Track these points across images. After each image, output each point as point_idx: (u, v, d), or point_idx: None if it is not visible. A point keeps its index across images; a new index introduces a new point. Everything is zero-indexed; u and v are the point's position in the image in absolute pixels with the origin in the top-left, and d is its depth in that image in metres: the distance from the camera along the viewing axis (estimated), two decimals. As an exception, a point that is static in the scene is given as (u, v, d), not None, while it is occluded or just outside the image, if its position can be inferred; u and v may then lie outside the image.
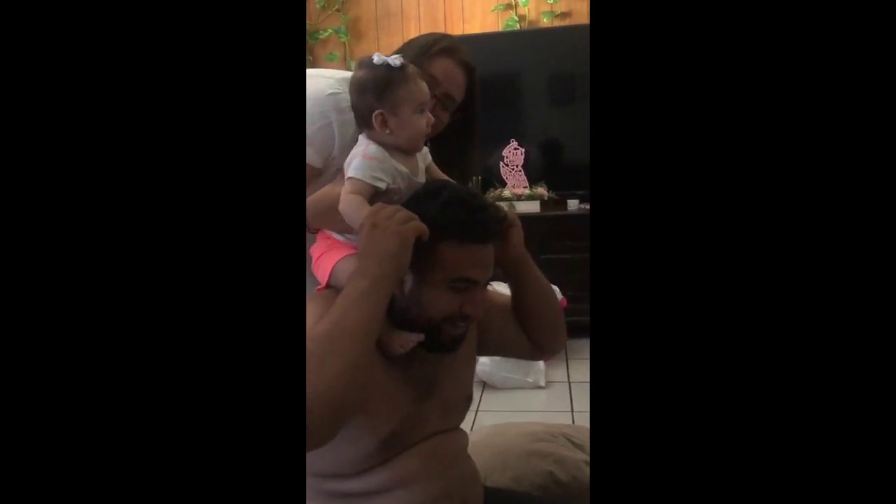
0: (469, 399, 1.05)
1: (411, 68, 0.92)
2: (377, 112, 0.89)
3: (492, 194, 3.15)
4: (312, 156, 1.09)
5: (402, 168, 0.91)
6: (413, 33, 3.58)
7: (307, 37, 3.50)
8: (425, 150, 0.98)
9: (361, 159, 0.89)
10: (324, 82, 1.10)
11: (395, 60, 0.91)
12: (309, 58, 3.57)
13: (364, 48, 3.61)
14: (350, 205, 0.86)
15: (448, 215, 0.84)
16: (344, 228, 0.93)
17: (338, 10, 3.56)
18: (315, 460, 0.85)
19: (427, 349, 0.89)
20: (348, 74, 1.05)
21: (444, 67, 1.08)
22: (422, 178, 0.95)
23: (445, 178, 1.01)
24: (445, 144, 1.07)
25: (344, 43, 3.59)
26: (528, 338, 1.04)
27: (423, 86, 0.92)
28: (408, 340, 0.87)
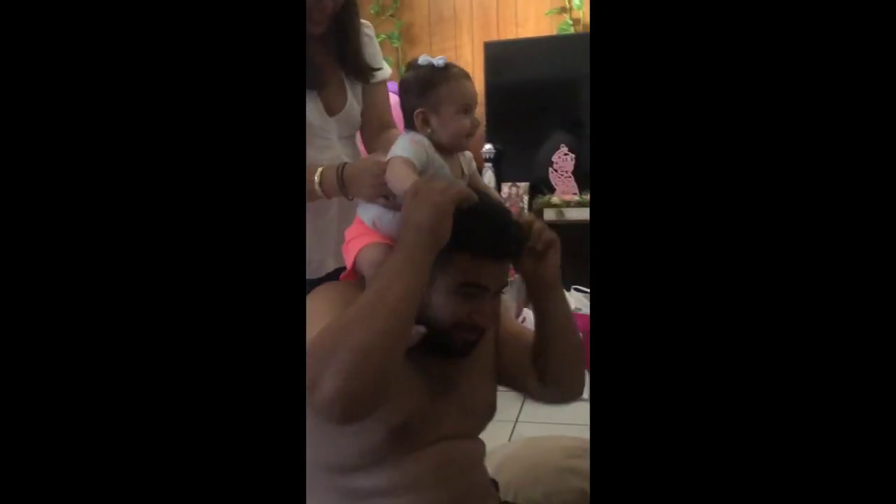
0: (492, 407, 1.02)
1: (456, 69, 0.93)
2: (419, 111, 0.91)
3: (541, 200, 3.11)
4: None
5: (444, 163, 0.92)
6: (466, 38, 3.60)
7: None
8: (469, 155, 0.98)
9: (409, 143, 0.90)
10: None
11: (440, 61, 0.92)
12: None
13: (417, 53, 3.60)
14: (398, 171, 0.87)
15: (466, 225, 0.83)
16: (371, 196, 0.95)
17: (391, 16, 3.58)
18: (323, 449, 0.85)
19: (439, 353, 0.88)
20: None
21: None
22: (463, 183, 0.95)
23: (487, 186, 1.02)
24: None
25: (397, 48, 3.61)
26: (539, 373, 0.99)
27: (468, 86, 0.93)
28: (415, 332, 0.86)
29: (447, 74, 0.91)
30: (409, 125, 0.93)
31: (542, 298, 0.96)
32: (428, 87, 0.91)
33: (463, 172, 0.95)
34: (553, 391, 1.02)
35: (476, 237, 0.83)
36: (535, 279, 0.93)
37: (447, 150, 0.93)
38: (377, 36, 1.33)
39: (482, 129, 3.40)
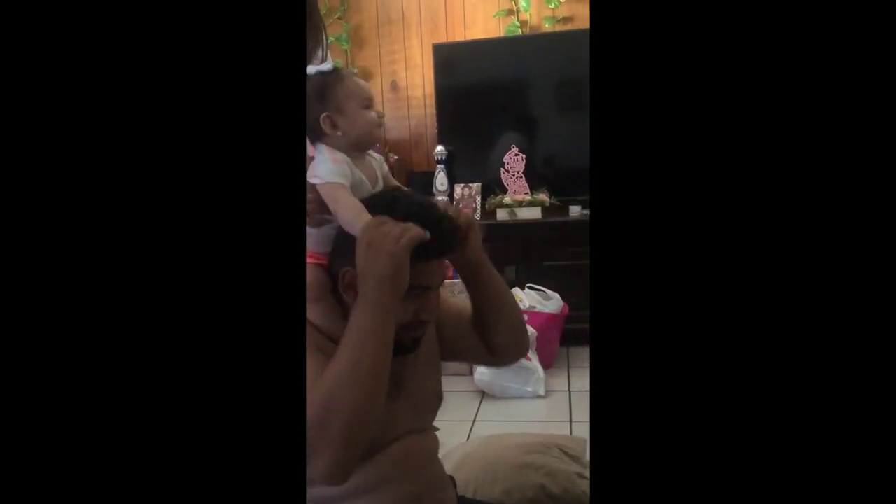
0: (439, 397, 1.05)
1: (344, 69, 0.97)
2: (324, 115, 0.91)
3: (493, 201, 3.14)
4: None
5: (364, 177, 0.93)
6: (415, 40, 3.60)
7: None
8: (380, 158, 1.00)
9: (332, 164, 0.90)
10: None
11: (326, 66, 0.94)
12: (311, 65, 3.57)
13: (366, 55, 3.61)
14: (349, 210, 0.87)
15: None
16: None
17: (339, 18, 3.56)
18: None
19: None
20: None
21: None
22: (379, 187, 0.96)
23: (398, 185, 1.03)
24: None
25: (346, 51, 3.59)
26: (485, 343, 1.02)
27: (362, 82, 0.95)
28: None
29: (339, 75, 0.93)
30: (316, 136, 0.93)
31: (475, 275, 0.97)
32: (325, 90, 0.91)
33: (377, 177, 0.96)
34: (502, 356, 1.05)
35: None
36: (463, 260, 0.95)
37: (361, 147, 0.94)
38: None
39: (433, 130, 3.41)
